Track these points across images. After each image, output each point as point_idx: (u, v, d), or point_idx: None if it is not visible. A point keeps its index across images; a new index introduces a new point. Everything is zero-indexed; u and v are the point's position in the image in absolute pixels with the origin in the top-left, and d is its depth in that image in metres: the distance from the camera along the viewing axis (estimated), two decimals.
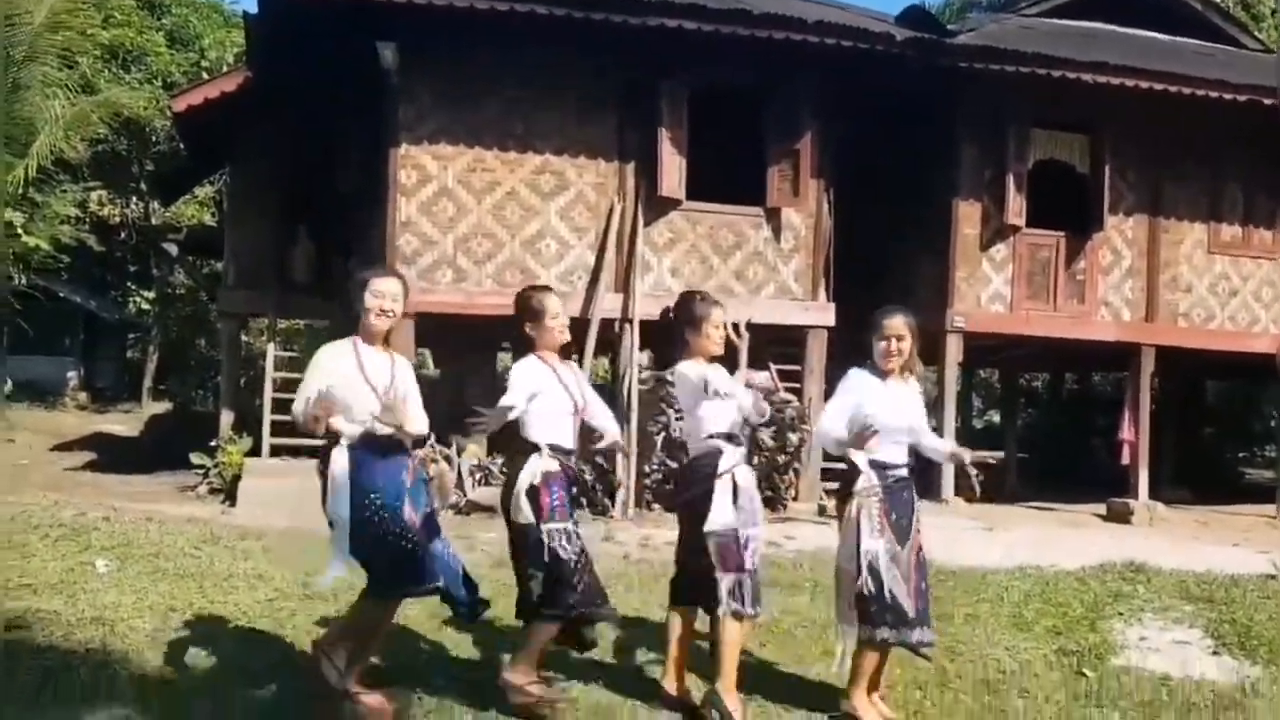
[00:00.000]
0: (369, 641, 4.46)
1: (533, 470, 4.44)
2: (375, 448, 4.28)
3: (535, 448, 4.47)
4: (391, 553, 4.29)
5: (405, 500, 4.36)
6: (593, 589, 4.50)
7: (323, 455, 4.34)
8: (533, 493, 4.42)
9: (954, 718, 4.73)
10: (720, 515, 4.50)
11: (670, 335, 4.85)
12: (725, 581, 4.48)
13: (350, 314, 4.43)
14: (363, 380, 4.32)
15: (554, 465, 4.47)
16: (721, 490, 4.53)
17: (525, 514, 4.41)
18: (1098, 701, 5.09)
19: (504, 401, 4.42)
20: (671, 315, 4.88)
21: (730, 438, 4.65)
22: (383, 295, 4.40)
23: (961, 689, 5.16)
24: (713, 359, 4.80)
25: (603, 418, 4.76)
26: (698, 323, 4.74)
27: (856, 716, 4.56)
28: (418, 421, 4.41)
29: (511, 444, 4.60)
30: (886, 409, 4.64)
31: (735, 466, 4.60)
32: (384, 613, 4.48)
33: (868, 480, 4.63)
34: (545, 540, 4.39)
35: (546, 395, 4.50)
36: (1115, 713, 4.94)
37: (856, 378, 4.76)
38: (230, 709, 4.31)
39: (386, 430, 4.25)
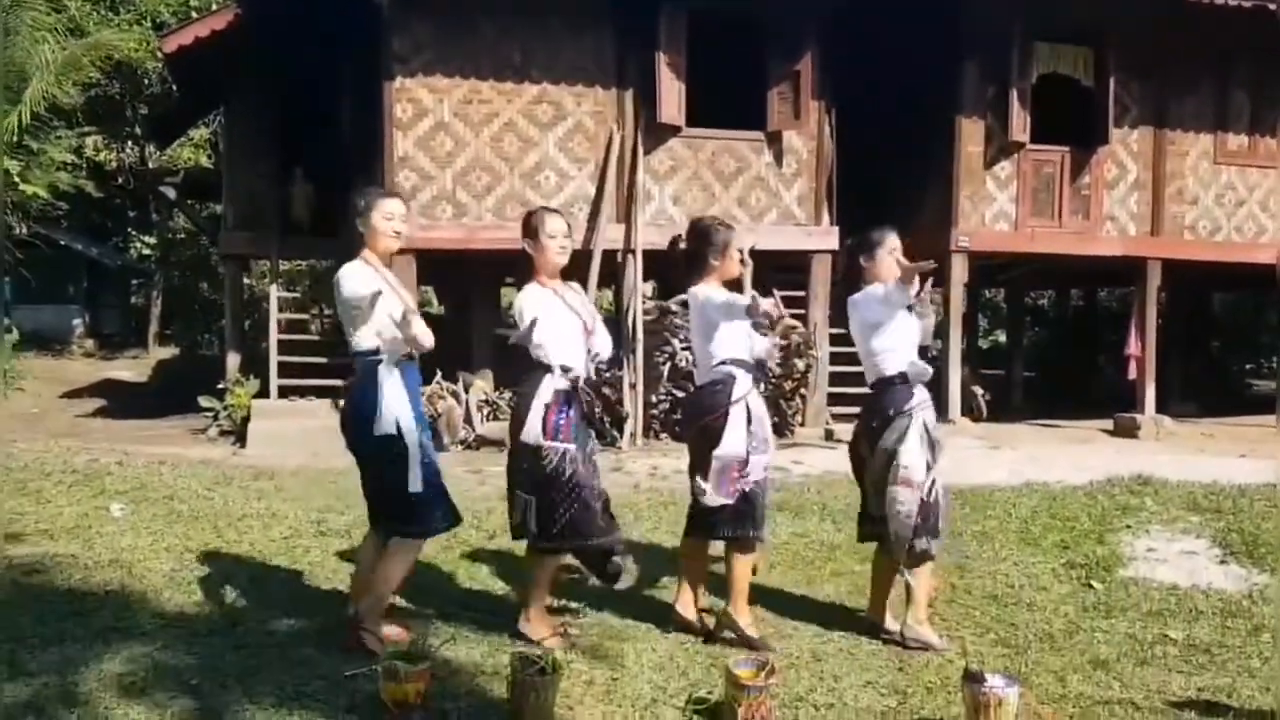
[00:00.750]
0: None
1: (545, 390, 4.44)
2: (404, 370, 4.32)
3: (548, 369, 4.47)
4: (434, 486, 4.34)
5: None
6: (592, 519, 4.47)
7: (360, 376, 4.30)
8: (543, 412, 4.42)
9: (964, 631, 4.78)
10: (733, 443, 4.52)
11: (689, 262, 4.79)
12: (718, 502, 4.51)
13: (356, 237, 4.38)
14: (396, 299, 4.32)
15: (565, 385, 4.48)
16: (736, 417, 4.55)
17: (534, 432, 4.40)
18: (1106, 612, 5.15)
19: (520, 334, 4.43)
20: (686, 243, 4.84)
21: (742, 364, 4.65)
22: (393, 215, 4.39)
23: (970, 603, 5.23)
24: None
25: (601, 338, 4.73)
26: (724, 248, 4.74)
27: (925, 639, 4.59)
28: (430, 335, 4.39)
29: (523, 370, 4.59)
30: None
31: (749, 393, 4.61)
32: (417, 552, 4.50)
33: (922, 394, 4.67)
34: (547, 460, 4.39)
35: (555, 318, 4.50)
36: (1123, 622, 4.99)
37: None
38: (250, 645, 4.37)
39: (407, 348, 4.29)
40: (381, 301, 4.18)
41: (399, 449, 4.23)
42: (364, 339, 4.28)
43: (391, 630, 4.42)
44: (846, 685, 4.10)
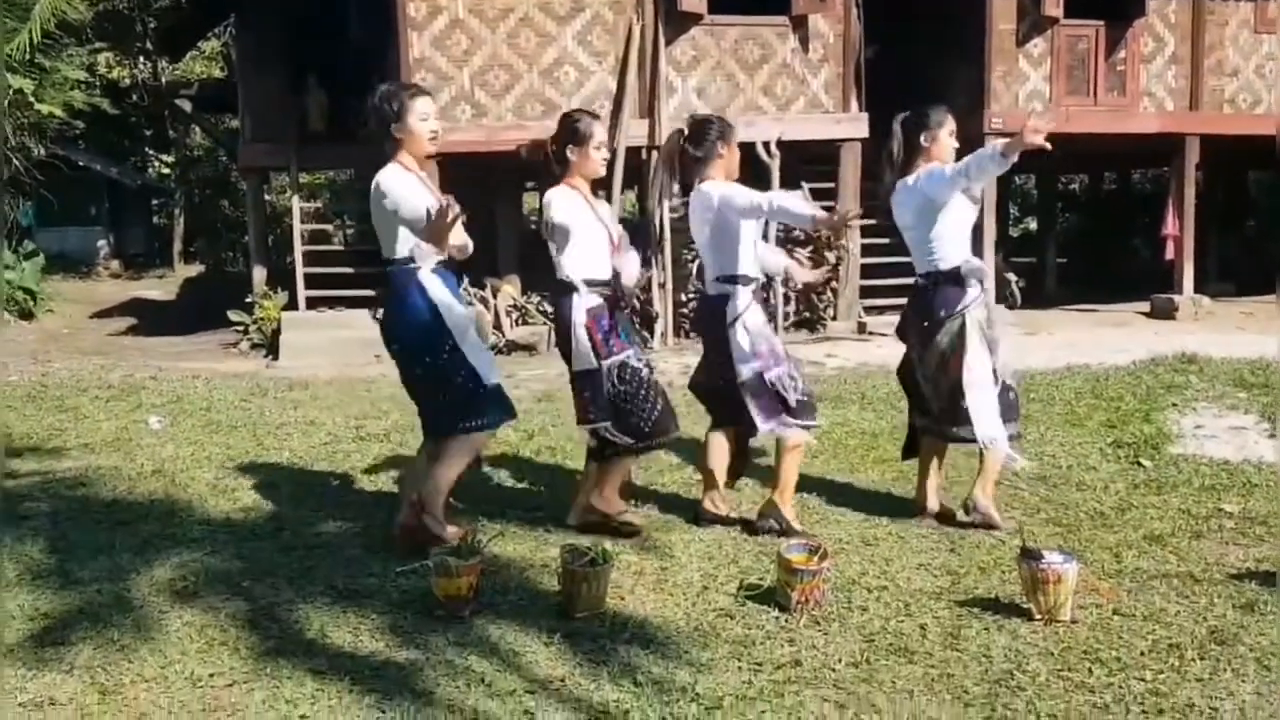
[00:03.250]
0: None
1: (579, 310, 4.33)
2: (443, 275, 4.22)
3: (573, 287, 4.36)
4: (495, 380, 4.26)
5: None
6: (670, 411, 4.48)
7: (401, 283, 4.18)
8: (586, 334, 4.33)
9: (1014, 512, 4.73)
10: (745, 366, 4.41)
11: (691, 158, 4.60)
12: (768, 428, 4.44)
13: (391, 142, 4.18)
14: (436, 202, 4.20)
15: (596, 300, 4.36)
16: (736, 340, 4.43)
17: (588, 356, 4.32)
18: (1157, 489, 5.08)
19: (560, 223, 4.34)
20: (687, 139, 4.65)
21: (742, 279, 4.49)
22: (429, 115, 4.21)
23: (1019, 485, 5.16)
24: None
25: (629, 259, 4.57)
26: (719, 139, 4.53)
27: (989, 514, 4.53)
28: (469, 242, 4.32)
29: (553, 282, 4.49)
30: None
31: (747, 309, 4.44)
32: (473, 451, 4.40)
33: (976, 290, 4.53)
34: (611, 374, 4.34)
35: (583, 228, 4.37)
36: (1176, 498, 4.92)
37: None
38: (298, 547, 4.37)
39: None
40: (427, 203, 4.06)
41: (454, 345, 4.14)
42: (402, 247, 4.15)
43: (450, 529, 4.40)
44: (898, 568, 4.05)
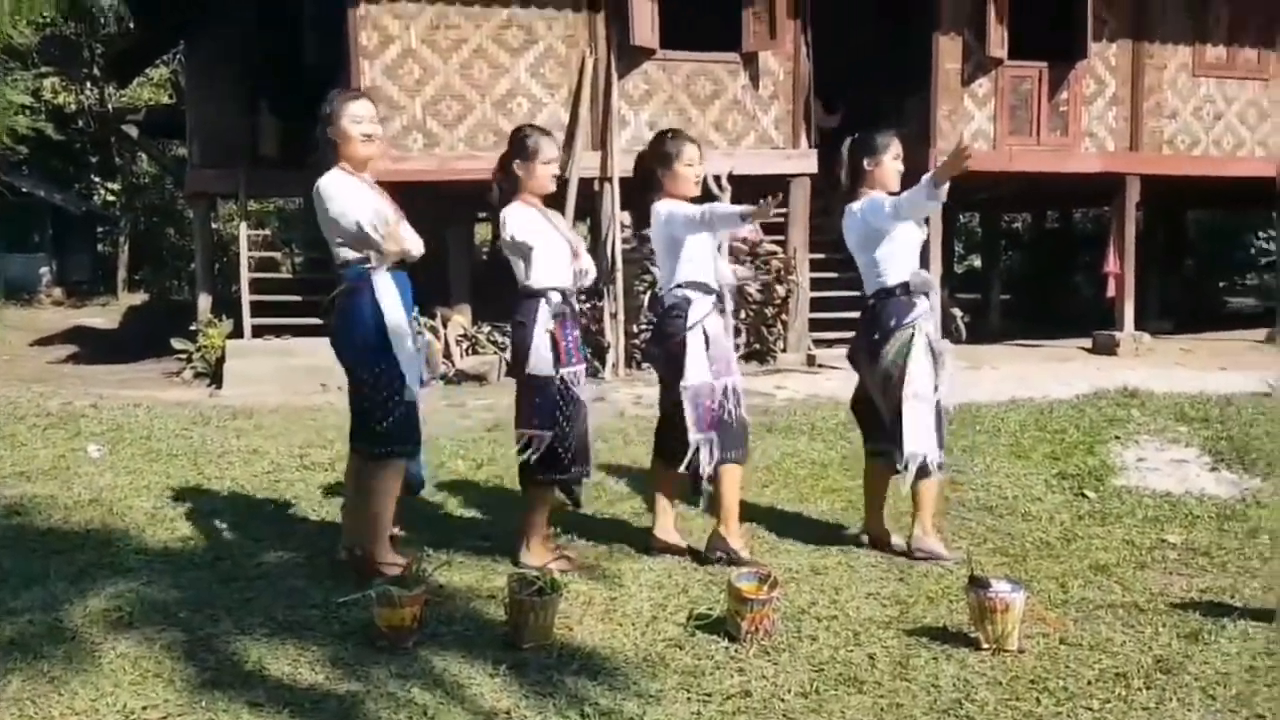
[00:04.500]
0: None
1: (544, 317, 4.31)
2: (397, 278, 4.14)
3: (540, 293, 4.34)
4: (408, 406, 4.18)
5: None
6: (585, 446, 4.45)
7: (351, 284, 4.10)
8: (549, 340, 4.30)
9: (960, 542, 4.75)
10: (696, 371, 4.40)
11: (646, 179, 4.66)
12: (700, 439, 4.39)
13: (330, 148, 4.11)
14: (382, 201, 4.15)
15: (563, 309, 4.36)
16: (694, 343, 4.43)
17: (547, 362, 4.28)
18: (1102, 520, 5.13)
19: (515, 240, 4.31)
20: (644, 155, 4.70)
21: (701, 286, 4.51)
22: (362, 118, 4.13)
23: (965, 515, 5.20)
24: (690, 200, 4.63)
25: (587, 260, 4.57)
26: (670, 160, 4.57)
27: (932, 550, 4.52)
28: (420, 241, 4.26)
29: (516, 299, 4.45)
30: None
31: (706, 316, 4.46)
32: (400, 474, 4.28)
33: (924, 305, 4.58)
34: (563, 386, 4.31)
35: (540, 238, 4.36)
36: (1120, 529, 4.97)
37: None
38: (238, 577, 4.28)
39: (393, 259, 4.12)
40: (371, 209, 4.03)
41: (391, 357, 4.07)
42: (350, 251, 4.10)
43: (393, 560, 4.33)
44: (847, 597, 4.05)
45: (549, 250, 4.37)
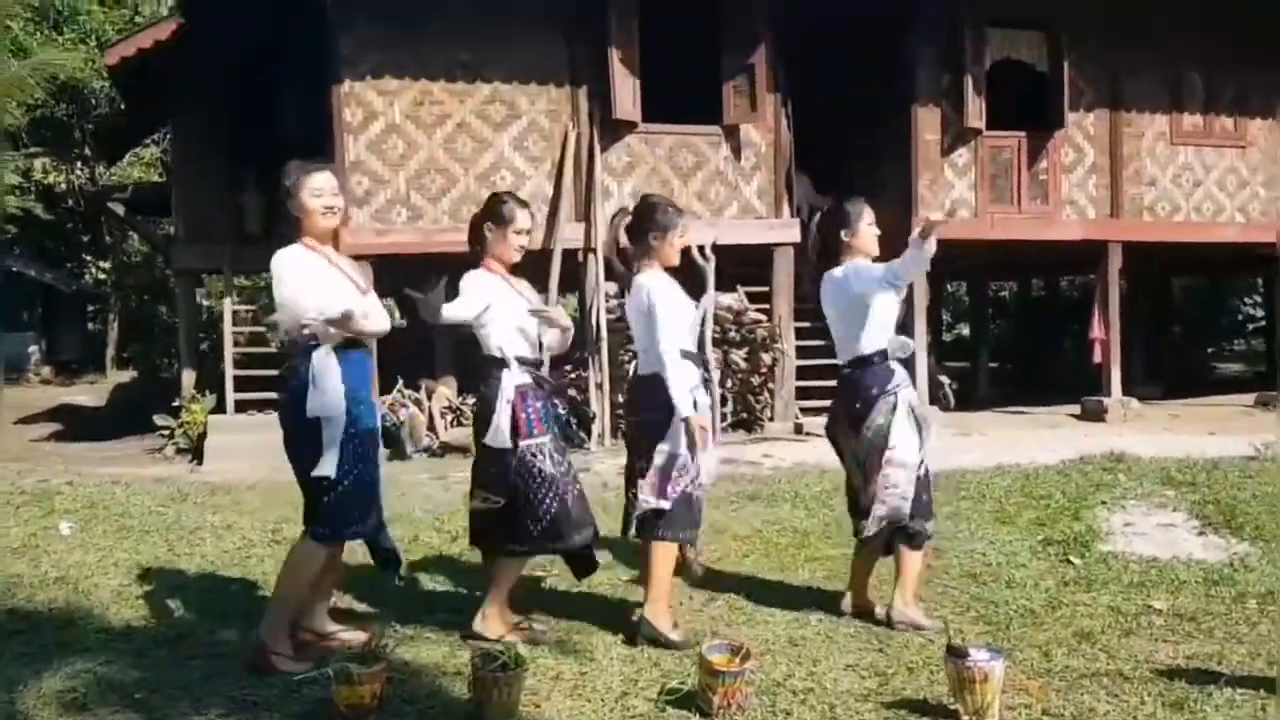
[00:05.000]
0: (319, 585, 4.24)
1: (507, 387, 4.22)
2: (348, 355, 4.02)
3: (504, 363, 4.27)
4: (360, 485, 4.02)
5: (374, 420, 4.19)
6: (569, 518, 4.25)
7: (296, 358, 3.99)
8: (509, 411, 4.20)
9: (943, 610, 4.65)
10: (675, 440, 4.28)
11: (632, 239, 4.55)
12: (652, 502, 4.28)
13: (292, 222, 4.10)
14: (343, 279, 4.08)
15: (526, 378, 4.28)
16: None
17: (503, 435, 4.17)
18: (1087, 586, 5.04)
19: (452, 309, 4.20)
20: (631, 218, 4.60)
21: (689, 355, 4.41)
22: (322, 191, 4.08)
23: (948, 582, 5.10)
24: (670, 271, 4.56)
25: (551, 332, 4.50)
26: (667, 230, 4.48)
27: (914, 620, 4.43)
28: (385, 319, 4.20)
29: (482, 370, 4.38)
30: None
31: (694, 388, 4.36)
32: (325, 558, 4.12)
33: (902, 372, 4.53)
34: (520, 459, 4.18)
35: (504, 306, 4.30)
36: (1105, 595, 4.88)
37: None
38: (199, 656, 4.16)
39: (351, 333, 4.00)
40: (322, 294, 3.95)
41: (318, 434, 3.92)
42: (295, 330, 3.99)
43: (349, 635, 4.22)
44: (825, 669, 3.94)
45: (508, 320, 4.30)
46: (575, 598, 4.91)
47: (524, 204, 4.53)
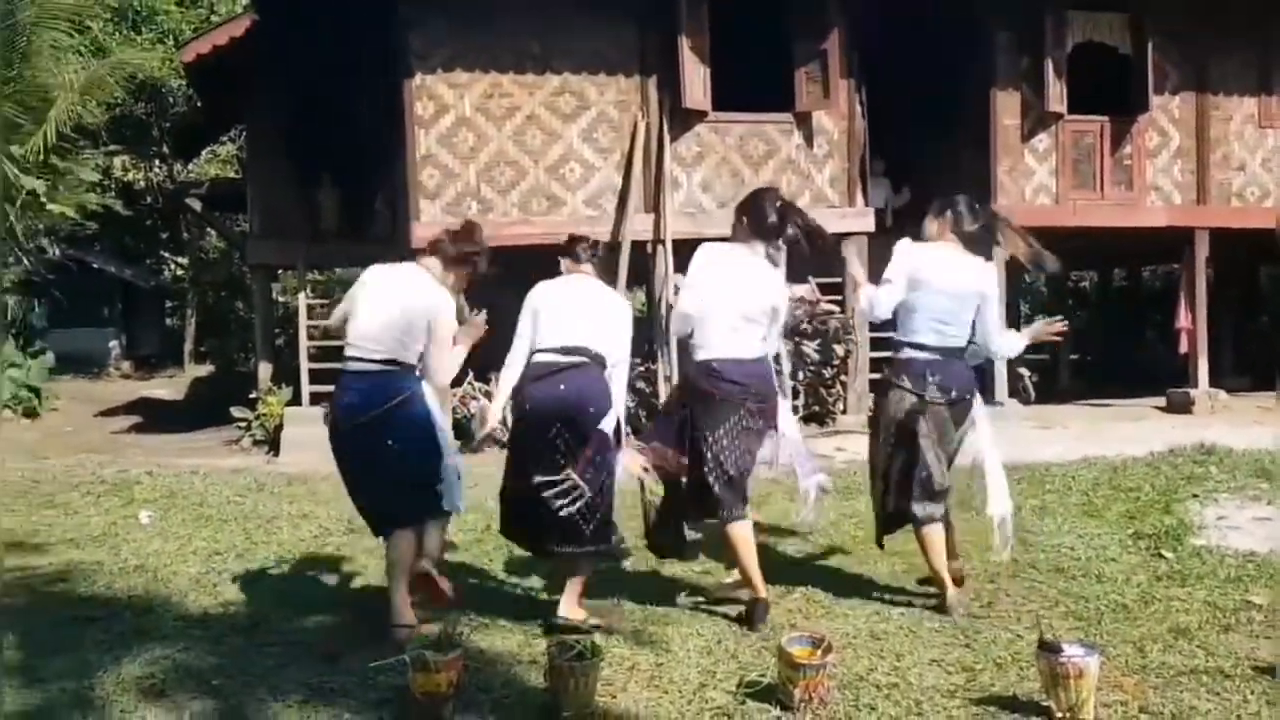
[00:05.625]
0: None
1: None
2: None
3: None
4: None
5: None
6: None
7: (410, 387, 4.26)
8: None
9: (1031, 605, 4.48)
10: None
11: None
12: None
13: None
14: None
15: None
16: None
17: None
18: (1181, 581, 4.83)
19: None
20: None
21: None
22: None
23: (1036, 577, 4.92)
24: None
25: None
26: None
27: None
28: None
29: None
30: None
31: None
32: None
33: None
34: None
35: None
36: (1201, 590, 4.67)
37: None
38: (275, 643, 4.16)
39: None
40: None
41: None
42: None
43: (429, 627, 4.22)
44: (909, 663, 3.81)
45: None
46: (651, 588, 4.83)
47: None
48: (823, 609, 4.50)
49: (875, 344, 11.70)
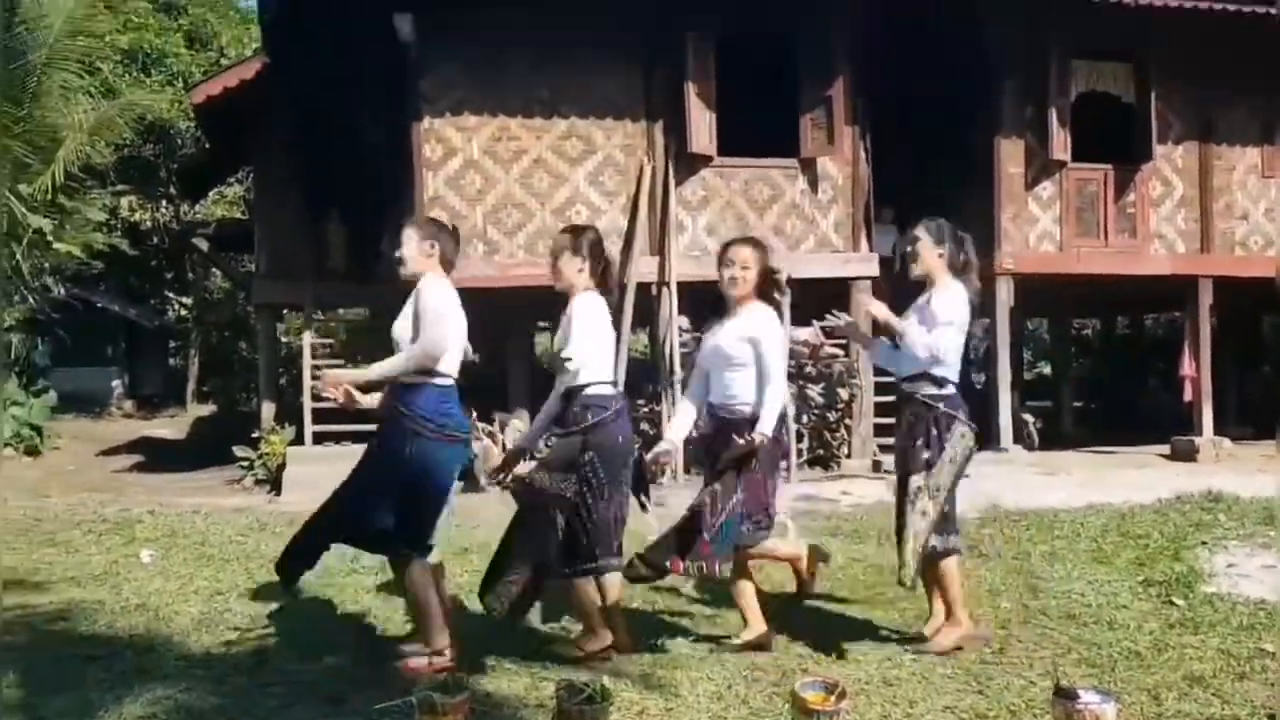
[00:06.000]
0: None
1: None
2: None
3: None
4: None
5: None
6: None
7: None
8: None
9: (1043, 651, 4.43)
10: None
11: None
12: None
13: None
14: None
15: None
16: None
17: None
18: (1194, 628, 4.77)
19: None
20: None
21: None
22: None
23: (1047, 624, 4.87)
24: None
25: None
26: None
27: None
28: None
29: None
30: None
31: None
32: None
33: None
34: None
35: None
36: (1214, 638, 4.61)
37: None
38: (279, 684, 4.10)
39: None
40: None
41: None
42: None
43: (416, 662, 4.18)
44: (923, 710, 3.76)
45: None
46: (658, 629, 4.78)
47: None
48: (833, 654, 4.45)
49: (880, 389, 11.69)
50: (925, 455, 4.41)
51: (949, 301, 4.54)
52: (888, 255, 12.31)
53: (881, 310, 4.79)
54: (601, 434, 4.33)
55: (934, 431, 4.44)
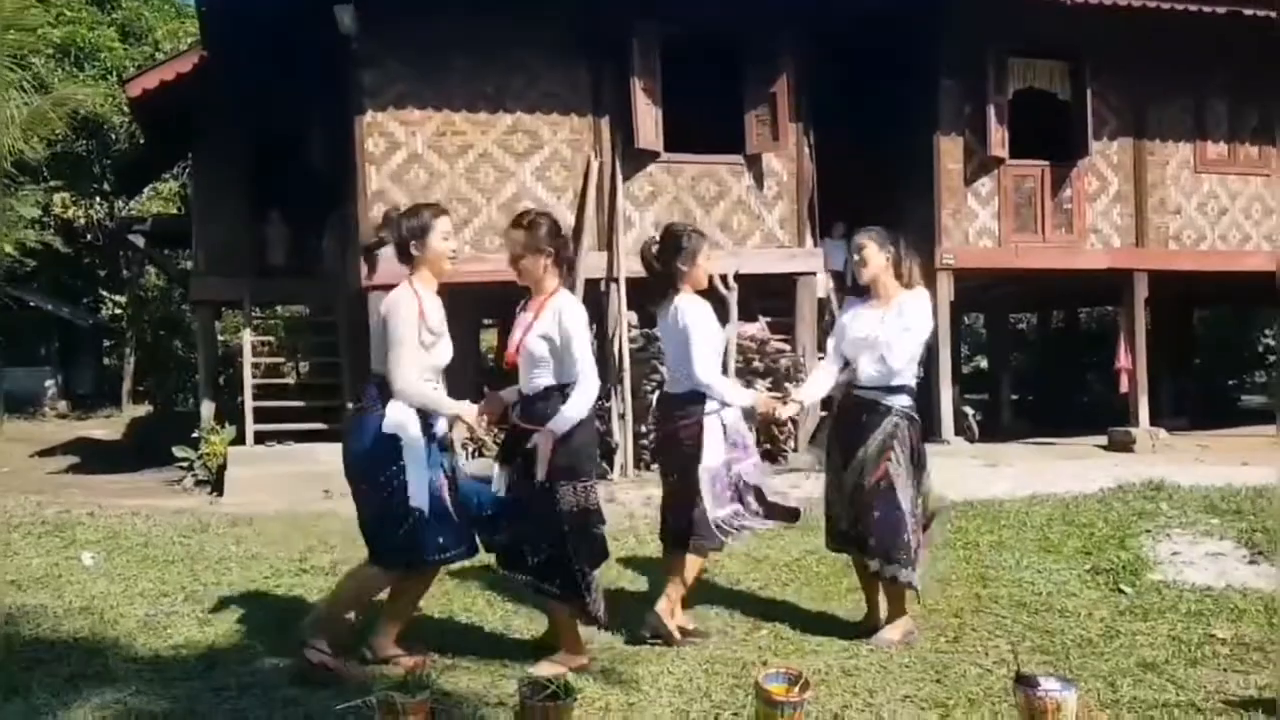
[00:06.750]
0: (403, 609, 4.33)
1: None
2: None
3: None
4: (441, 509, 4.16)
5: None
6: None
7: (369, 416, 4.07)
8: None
9: (997, 640, 4.49)
10: (713, 454, 4.45)
11: (663, 268, 4.71)
12: (718, 514, 4.45)
13: (410, 262, 4.14)
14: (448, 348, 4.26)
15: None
16: (711, 429, 4.47)
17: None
18: (1143, 615, 4.87)
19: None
20: (658, 248, 4.75)
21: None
22: (449, 235, 4.20)
23: (1000, 612, 4.94)
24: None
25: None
26: (693, 256, 4.66)
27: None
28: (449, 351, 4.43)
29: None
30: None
31: (719, 410, 4.53)
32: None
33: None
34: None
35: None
36: (1164, 624, 4.71)
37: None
38: (230, 686, 4.03)
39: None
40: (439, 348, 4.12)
41: (401, 469, 3.99)
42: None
43: (405, 657, 4.14)
44: (883, 700, 3.79)
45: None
46: (617, 625, 4.76)
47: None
48: (792, 645, 4.48)
49: None
50: (890, 462, 4.56)
51: (922, 310, 4.65)
52: (839, 270, 12.41)
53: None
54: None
55: (911, 444, 4.57)
